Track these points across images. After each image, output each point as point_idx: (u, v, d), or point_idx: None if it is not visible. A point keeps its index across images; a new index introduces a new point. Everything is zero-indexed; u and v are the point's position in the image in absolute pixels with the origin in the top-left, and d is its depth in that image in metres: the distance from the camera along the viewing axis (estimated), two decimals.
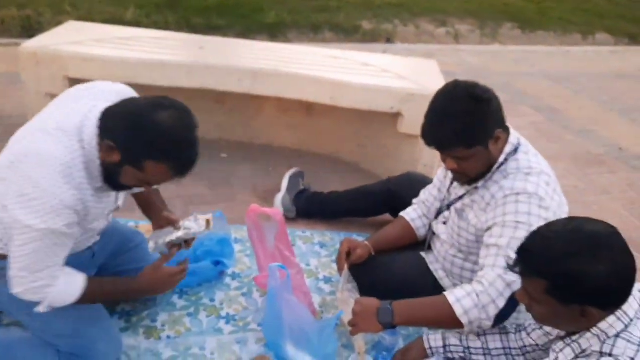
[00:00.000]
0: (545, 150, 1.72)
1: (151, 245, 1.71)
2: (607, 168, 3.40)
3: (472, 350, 1.59)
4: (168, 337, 1.77)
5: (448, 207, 1.82)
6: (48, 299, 1.42)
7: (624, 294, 1.14)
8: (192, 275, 1.97)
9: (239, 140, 3.15)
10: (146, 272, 1.62)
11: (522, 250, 1.19)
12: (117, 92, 1.49)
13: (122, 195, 1.64)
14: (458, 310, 1.50)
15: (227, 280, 2.06)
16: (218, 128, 3.11)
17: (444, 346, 1.63)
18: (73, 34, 2.82)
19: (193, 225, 1.70)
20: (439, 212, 1.88)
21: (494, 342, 1.57)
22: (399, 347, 1.78)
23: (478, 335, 1.59)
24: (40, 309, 1.43)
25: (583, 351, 1.20)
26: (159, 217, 1.77)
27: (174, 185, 2.63)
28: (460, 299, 1.51)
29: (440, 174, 1.97)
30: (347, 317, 1.66)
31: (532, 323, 1.54)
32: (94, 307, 1.59)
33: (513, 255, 1.42)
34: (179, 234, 1.70)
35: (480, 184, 1.66)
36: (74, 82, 2.58)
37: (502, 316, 1.52)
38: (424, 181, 2.20)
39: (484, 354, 1.57)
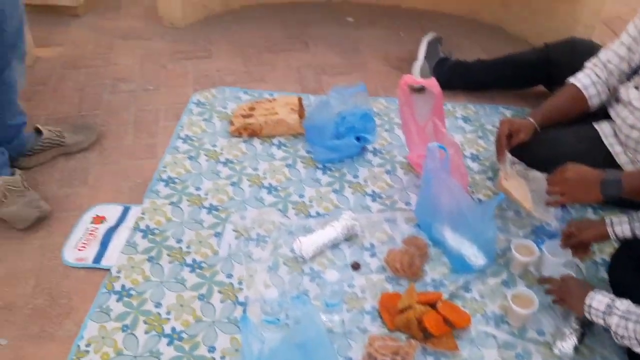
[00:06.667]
0: None
1: None
2: None
3: None
4: (317, 213, 1.77)
5: None
6: None
7: None
8: (335, 151, 1.92)
9: (365, 2, 2.88)
10: None
11: None
12: None
13: None
14: None
15: (369, 156, 1.98)
16: None
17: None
18: None
19: None
20: (634, 72, 1.62)
21: None
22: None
23: None
24: None
25: None
26: None
27: (305, 54, 2.54)
28: None
29: (631, 28, 1.66)
30: (522, 198, 1.54)
31: None
32: None
33: None
34: None
35: None
36: None
37: None
38: (591, 49, 1.90)
39: None
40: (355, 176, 1.90)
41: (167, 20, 2.67)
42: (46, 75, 2.32)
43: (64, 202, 1.77)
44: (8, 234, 1.67)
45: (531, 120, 1.72)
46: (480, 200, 1.81)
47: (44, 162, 1.88)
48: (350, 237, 1.67)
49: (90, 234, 1.66)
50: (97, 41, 2.57)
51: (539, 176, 1.59)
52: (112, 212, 1.74)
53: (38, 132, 1.87)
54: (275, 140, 2.03)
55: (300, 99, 2.10)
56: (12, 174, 1.71)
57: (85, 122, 2.01)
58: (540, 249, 1.58)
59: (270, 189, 1.84)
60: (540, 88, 2.21)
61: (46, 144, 1.86)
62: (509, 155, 1.67)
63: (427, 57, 2.31)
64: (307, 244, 1.61)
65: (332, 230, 1.64)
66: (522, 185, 1.61)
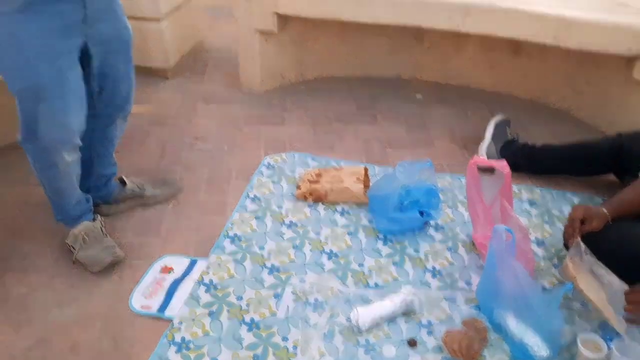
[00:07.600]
0: None
1: None
2: None
3: None
4: (376, 284, 1.77)
5: None
6: None
7: None
8: (397, 223, 1.95)
9: (434, 80, 2.97)
10: None
11: None
12: None
13: None
14: None
15: (431, 231, 1.99)
16: (413, 67, 2.97)
17: None
18: None
19: None
20: None
21: None
22: (632, 332, 1.58)
23: None
24: None
25: None
26: None
27: (372, 127, 2.63)
28: None
29: None
30: (595, 297, 1.49)
31: None
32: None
33: None
34: None
35: None
36: (282, 18, 2.61)
37: None
38: None
39: None
40: (416, 250, 1.91)
41: (246, 86, 2.86)
42: (133, 129, 2.51)
43: (137, 250, 1.87)
44: (83, 276, 1.78)
45: (604, 210, 1.69)
46: (544, 288, 1.76)
47: (123, 211, 2.01)
48: (408, 312, 1.66)
49: (157, 283, 1.74)
50: (181, 102, 2.78)
51: (615, 283, 1.54)
52: (179, 263, 1.82)
53: (122, 182, 2.01)
54: (339, 207, 2.08)
55: (366, 169, 2.16)
56: (94, 220, 1.84)
57: (166, 178, 2.15)
58: (608, 346, 1.51)
59: (331, 255, 1.87)
60: (610, 176, 2.17)
61: (128, 195, 2.00)
62: (581, 244, 1.63)
63: (494, 138, 2.34)
64: (365, 314, 1.61)
65: (391, 304, 1.64)
66: (595, 284, 1.55)
